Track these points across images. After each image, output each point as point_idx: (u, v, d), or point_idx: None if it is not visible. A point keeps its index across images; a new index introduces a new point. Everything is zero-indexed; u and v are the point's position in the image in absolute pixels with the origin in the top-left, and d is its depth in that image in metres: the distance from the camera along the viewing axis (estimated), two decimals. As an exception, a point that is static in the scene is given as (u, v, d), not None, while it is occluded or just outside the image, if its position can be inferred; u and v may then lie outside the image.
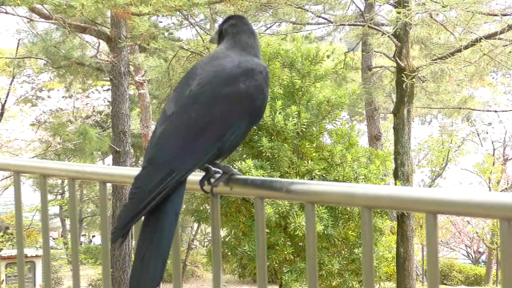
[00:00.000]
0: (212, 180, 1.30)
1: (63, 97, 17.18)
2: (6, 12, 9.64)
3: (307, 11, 11.63)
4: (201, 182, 1.31)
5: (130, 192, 1.13)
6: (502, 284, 0.97)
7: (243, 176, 1.29)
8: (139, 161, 22.01)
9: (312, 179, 6.79)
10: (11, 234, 11.90)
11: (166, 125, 1.18)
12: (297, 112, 6.94)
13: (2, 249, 11.95)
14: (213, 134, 1.17)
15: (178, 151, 1.14)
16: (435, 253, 1.01)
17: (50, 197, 22.10)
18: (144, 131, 16.85)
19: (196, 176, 1.33)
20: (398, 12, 8.67)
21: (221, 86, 1.20)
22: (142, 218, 1.17)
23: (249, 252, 6.65)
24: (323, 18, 11.86)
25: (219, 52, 1.34)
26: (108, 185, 1.65)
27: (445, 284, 19.00)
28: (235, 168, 6.54)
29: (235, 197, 6.60)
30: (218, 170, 1.29)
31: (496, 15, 9.19)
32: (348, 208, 6.88)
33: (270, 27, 14.94)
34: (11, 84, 13.30)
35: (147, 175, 1.13)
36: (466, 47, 9.01)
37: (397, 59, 9.35)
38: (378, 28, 10.92)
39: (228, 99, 1.20)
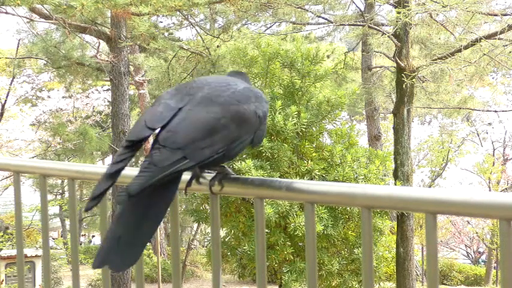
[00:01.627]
0: (201, 180, 1.33)
1: (63, 97, 17.19)
2: (6, 12, 9.64)
3: (307, 11, 11.63)
4: (188, 183, 1.34)
5: (143, 166, 1.15)
6: (501, 284, 0.97)
7: (243, 176, 1.29)
8: (139, 161, 22.01)
9: (311, 179, 6.80)
10: (11, 234, 11.90)
11: (180, 116, 1.22)
12: (296, 112, 6.94)
13: (1, 249, 11.95)
14: (224, 139, 1.21)
15: (192, 142, 1.18)
16: (435, 253, 1.01)
17: (49, 197, 22.10)
18: (144, 131, 16.81)
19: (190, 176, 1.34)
20: (398, 12, 8.67)
21: (236, 100, 1.27)
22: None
23: (248, 252, 6.65)
24: (323, 18, 11.86)
25: (223, 76, 1.42)
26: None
27: (445, 284, 19.01)
28: (233, 168, 6.50)
29: (235, 197, 6.60)
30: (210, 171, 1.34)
31: (496, 15, 9.19)
32: (348, 208, 6.88)
33: (270, 27, 14.95)
34: (11, 84, 13.31)
35: (162, 155, 1.16)
36: (466, 47, 9.01)
37: (397, 59, 9.35)
38: (378, 28, 10.92)
39: (241, 114, 1.26)
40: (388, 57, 11.66)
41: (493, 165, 21.20)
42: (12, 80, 13.32)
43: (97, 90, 17.64)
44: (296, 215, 6.53)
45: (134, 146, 1.22)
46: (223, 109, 1.23)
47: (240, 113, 1.25)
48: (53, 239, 23.38)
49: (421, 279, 17.27)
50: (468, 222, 21.61)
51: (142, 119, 1.24)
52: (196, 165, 1.18)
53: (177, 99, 1.26)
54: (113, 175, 1.20)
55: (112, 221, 1.17)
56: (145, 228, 1.15)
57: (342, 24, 11.76)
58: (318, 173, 6.93)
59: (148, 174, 1.13)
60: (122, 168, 1.21)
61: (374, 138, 15.27)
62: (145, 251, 19.56)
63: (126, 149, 1.22)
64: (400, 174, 9.23)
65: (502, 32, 8.86)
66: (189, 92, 1.28)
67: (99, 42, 12.49)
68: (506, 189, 20.99)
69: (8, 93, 13.12)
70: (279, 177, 6.56)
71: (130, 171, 1.46)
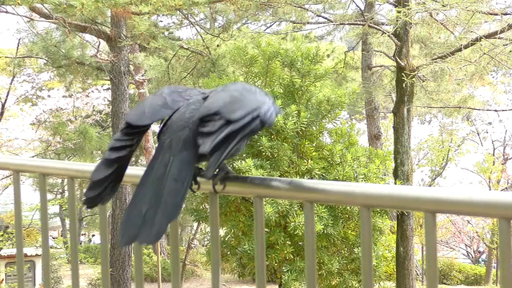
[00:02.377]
0: (198, 178, 1.33)
1: (63, 96, 17.20)
2: (7, 12, 9.63)
3: (307, 10, 11.63)
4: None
5: (201, 139, 1.15)
6: (500, 283, 0.97)
7: (242, 175, 1.29)
8: (139, 160, 22.01)
9: (311, 179, 6.79)
10: (11, 233, 11.90)
11: (208, 100, 1.25)
12: (296, 111, 6.94)
13: (1, 248, 11.95)
14: (250, 103, 1.24)
15: (224, 106, 1.20)
16: (434, 252, 1.01)
17: (49, 196, 22.10)
18: (144, 130, 16.80)
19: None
20: (399, 12, 8.66)
21: (242, 83, 1.34)
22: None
23: (248, 252, 6.65)
24: (323, 17, 11.85)
25: None
26: (108, 184, 1.63)
27: (445, 284, 19.01)
28: (233, 167, 6.50)
29: (234, 196, 6.60)
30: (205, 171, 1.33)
31: (496, 14, 9.19)
32: (348, 207, 6.89)
33: (270, 26, 14.97)
34: (11, 83, 13.30)
35: (208, 125, 1.17)
36: (466, 46, 9.00)
37: (397, 58, 9.35)
38: (378, 27, 10.91)
39: (251, 88, 1.32)
40: (388, 57, 11.66)
41: (493, 164, 21.20)
42: (12, 79, 13.31)
43: (97, 89, 17.65)
44: (296, 214, 6.53)
45: (133, 133, 1.22)
46: (237, 86, 1.30)
47: (250, 88, 1.31)
48: (53, 238, 23.40)
49: (421, 279, 17.28)
50: (468, 222, 21.60)
51: (142, 107, 1.25)
52: (241, 131, 1.18)
53: (175, 97, 1.28)
54: (112, 161, 1.19)
55: (133, 197, 1.15)
56: (168, 203, 1.12)
57: (342, 24, 11.75)
58: (318, 172, 6.93)
59: (210, 139, 1.14)
60: (123, 157, 1.20)
61: (374, 138, 15.27)
62: (145, 251, 19.49)
63: (126, 135, 1.22)
64: (400, 174, 9.23)
65: (502, 31, 8.87)
66: (188, 94, 1.30)
67: (99, 42, 12.49)
68: (506, 188, 20.98)
69: (8, 92, 13.12)
70: (279, 176, 6.56)
71: (131, 171, 1.46)
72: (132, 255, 10.64)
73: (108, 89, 16.68)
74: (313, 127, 7.25)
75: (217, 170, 1.29)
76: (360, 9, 12.00)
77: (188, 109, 1.24)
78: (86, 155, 13.72)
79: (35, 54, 12.00)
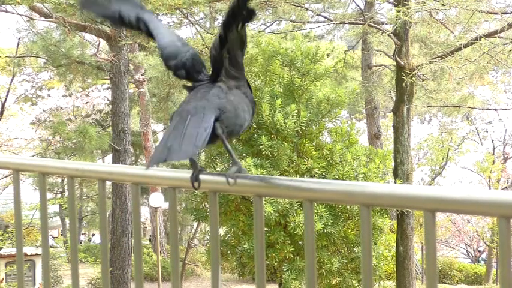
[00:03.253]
0: (201, 176, 1.33)
1: (63, 96, 17.18)
2: (6, 11, 9.63)
3: (307, 9, 11.61)
4: (192, 178, 1.32)
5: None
6: (500, 282, 0.97)
7: (242, 174, 1.28)
8: (139, 160, 22.02)
9: (311, 178, 6.79)
10: (11, 232, 11.90)
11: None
12: (296, 111, 6.94)
13: (1, 247, 11.95)
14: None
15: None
16: (434, 251, 1.01)
17: (50, 195, 22.10)
18: (144, 130, 16.84)
19: (188, 173, 1.32)
20: (398, 11, 8.65)
21: None
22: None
23: (248, 251, 6.65)
24: (323, 16, 11.85)
25: None
26: (108, 183, 1.65)
27: (445, 283, 19.01)
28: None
29: (234, 195, 6.60)
30: (203, 168, 1.35)
31: (496, 13, 9.19)
32: (348, 207, 6.89)
33: (270, 25, 14.95)
34: (11, 82, 13.28)
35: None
36: (466, 46, 9.00)
37: (397, 57, 9.34)
38: (378, 26, 10.90)
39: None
40: (388, 56, 11.65)
41: (493, 163, 21.19)
42: (12, 79, 13.30)
43: (97, 88, 17.64)
44: (296, 213, 6.53)
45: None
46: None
47: None
48: (53, 237, 23.39)
49: (421, 278, 17.28)
50: (468, 221, 21.60)
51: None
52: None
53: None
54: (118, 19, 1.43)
55: (156, 147, 1.21)
56: (191, 138, 1.20)
57: (342, 23, 11.75)
58: (317, 171, 6.93)
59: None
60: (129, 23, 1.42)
61: (374, 137, 15.27)
62: (145, 250, 19.44)
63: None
64: (400, 173, 9.23)
65: (502, 31, 8.87)
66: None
67: (99, 41, 12.48)
68: (506, 187, 20.98)
69: (8, 91, 13.10)
70: (279, 175, 6.56)
71: (131, 170, 1.46)
72: (132, 254, 10.64)
73: (108, 88, 16.67)
74: (313, 126, 7.25)
75: (230, 164, 1.35)
76: (360, 8, 12.00)
77: (199, 91, 1.35)
78: (86, 154, 13.72)
79: (35, 54, 12.00)
